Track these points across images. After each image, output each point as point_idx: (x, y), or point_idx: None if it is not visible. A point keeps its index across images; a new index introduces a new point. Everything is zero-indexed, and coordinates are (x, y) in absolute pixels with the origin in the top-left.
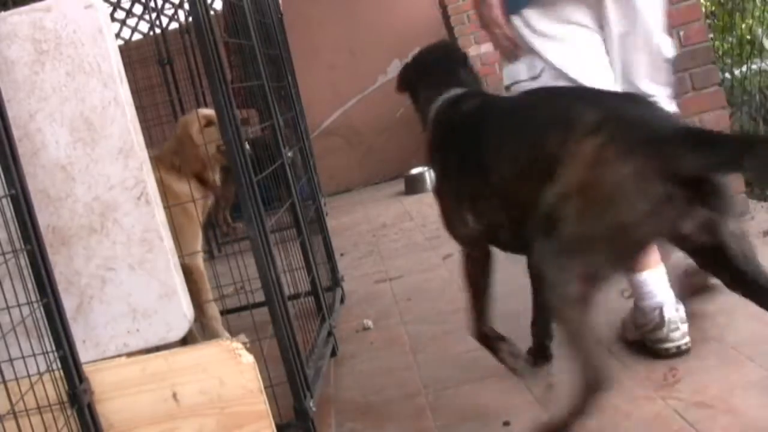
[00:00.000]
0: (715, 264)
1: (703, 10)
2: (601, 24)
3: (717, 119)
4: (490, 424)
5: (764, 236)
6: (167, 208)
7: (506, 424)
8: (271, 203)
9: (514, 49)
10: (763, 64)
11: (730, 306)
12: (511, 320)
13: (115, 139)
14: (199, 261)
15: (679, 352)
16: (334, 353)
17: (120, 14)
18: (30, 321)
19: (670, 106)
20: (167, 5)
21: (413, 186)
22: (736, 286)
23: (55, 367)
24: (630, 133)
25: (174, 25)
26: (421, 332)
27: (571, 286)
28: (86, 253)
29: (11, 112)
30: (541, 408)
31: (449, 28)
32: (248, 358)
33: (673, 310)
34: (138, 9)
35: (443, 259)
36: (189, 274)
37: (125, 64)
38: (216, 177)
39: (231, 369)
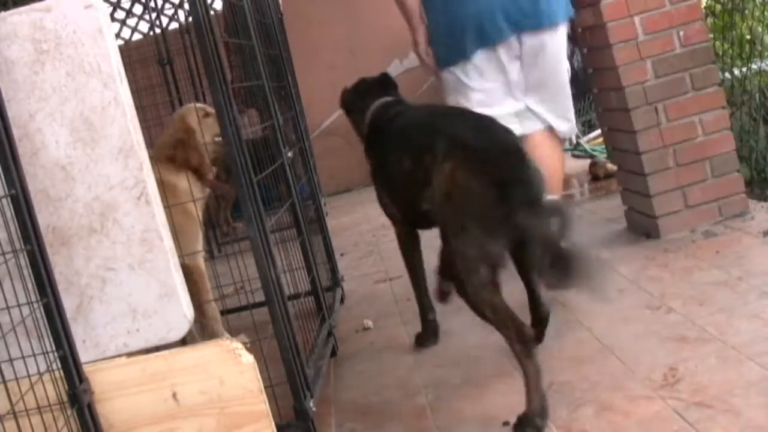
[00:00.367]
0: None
1: (704, 10)
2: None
3: (717, 119)
4: (490, 424)
5: (764, 236)
6: (167, 207)
7: (506, 424)
8: (271, 203)
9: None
10: (763, 64)
11: (730, 306)
12: None
13: (115, 139)
14: (200, 261)
15: None
16: (334, 353)
17: (120, 14)
18: (30, 321)
19: (571, 127)
20: (167, 5)
21: None
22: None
23: (55, 367)
24: (469, 158)
25: (174, 25)
26: None
27: (473, 261)
28: (86, 253)
29: (11, 112)
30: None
31: None
32: (248, 358)
33: None
34: (138, 9)
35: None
36: (189, 274)
37: (125, 64)
38: (213, 171)
39: (231, 369)
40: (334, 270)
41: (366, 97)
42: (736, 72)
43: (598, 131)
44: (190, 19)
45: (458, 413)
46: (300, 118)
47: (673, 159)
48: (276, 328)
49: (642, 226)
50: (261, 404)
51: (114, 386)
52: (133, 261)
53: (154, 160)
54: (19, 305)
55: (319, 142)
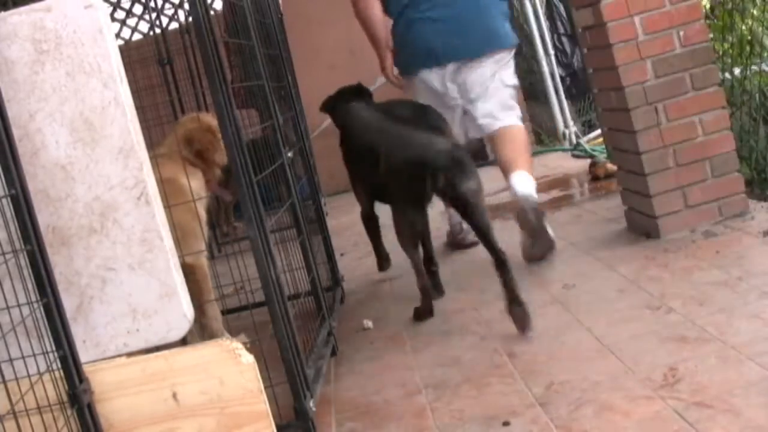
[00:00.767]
0: (464, 213)
1: (704, 10)
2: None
3: (717, 119)
4: (490, 424)
5: (764, 236)
6: (167, 207)
7: (506, 424)
8: (271, 203)
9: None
10: (764, 64)
11: (730, 306)
12: None
13: (115, 139)
14: (203, 260)
15: (473, 243)
16: (334, 353)
17: (120, 14)
18: (30, 321)
19: (517, 122)
20: (167, 5)
21: None
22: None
23: (55, 367)
24: (401, 150)
25: (174, 25)
26: (421, 332)
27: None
28: (86, 253)
29: (11, 112)
30: (542, 408)
31: None
32: (248, 358)
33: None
34: (138, 9)
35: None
36: (192, 273)
37: (125, 64)
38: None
39: (231, 369)
40: (334, 270)
41: (342, 101)
42: (736, 72)
43: (598, 131)
44: (190, 19)
45: (458, 413)
46: (300, 118)
47: (673, 159)
48: (276, 328)
49: (642, 226)
50: (261, 404)
51: (114, 386)
52: (133, 261)
53: (168, 162)
54: (19, 305)
55: (319, 142)
